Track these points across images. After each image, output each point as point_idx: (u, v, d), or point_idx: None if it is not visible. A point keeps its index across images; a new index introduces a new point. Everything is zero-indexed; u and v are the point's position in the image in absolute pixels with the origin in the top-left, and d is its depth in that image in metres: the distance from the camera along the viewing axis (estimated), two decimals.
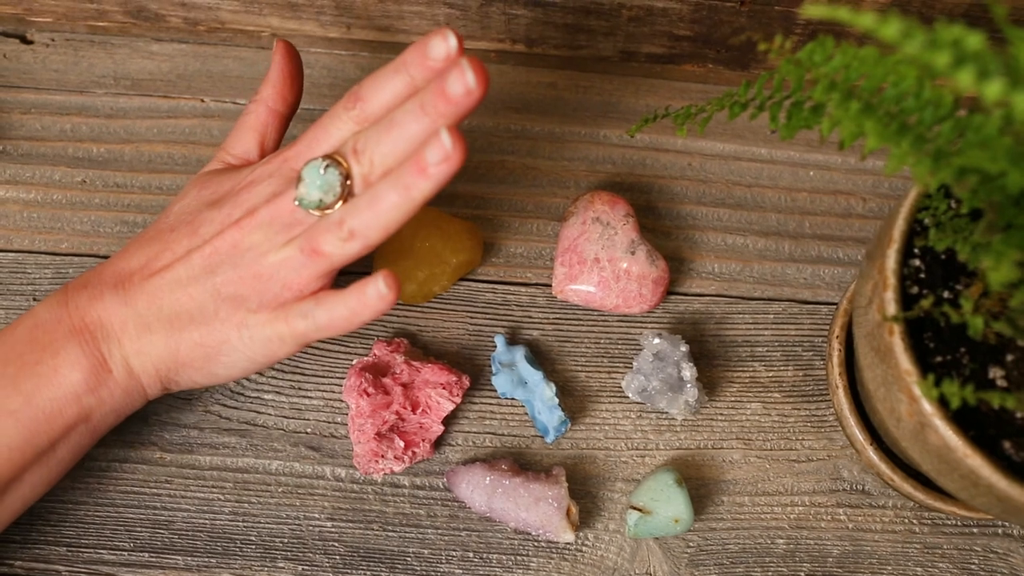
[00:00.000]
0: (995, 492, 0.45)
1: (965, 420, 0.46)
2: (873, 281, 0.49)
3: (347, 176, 0.47)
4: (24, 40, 0.67)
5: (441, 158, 0.43)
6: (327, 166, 0.47)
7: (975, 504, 0.50)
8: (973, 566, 0.58)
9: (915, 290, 0.48)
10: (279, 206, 0.48)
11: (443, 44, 0.46)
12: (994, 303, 0.46)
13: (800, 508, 0.59)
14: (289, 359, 0.60)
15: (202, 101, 0.65)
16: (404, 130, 0.45)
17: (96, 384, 0.49)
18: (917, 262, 0.48)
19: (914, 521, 0.59)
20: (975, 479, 0.45)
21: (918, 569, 0.58)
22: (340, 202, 0.47)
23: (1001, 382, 0.47)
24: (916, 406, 0.46)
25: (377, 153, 0.46)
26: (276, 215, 0.48)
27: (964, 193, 0.42)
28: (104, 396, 0.50)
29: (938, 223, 0.47)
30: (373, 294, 0.46)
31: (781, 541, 0.58)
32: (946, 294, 0.48)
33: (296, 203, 0.47)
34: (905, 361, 0.46)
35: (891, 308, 0.46)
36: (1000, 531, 0.58)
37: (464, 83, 0.44)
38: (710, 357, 0.61)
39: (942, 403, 0.44)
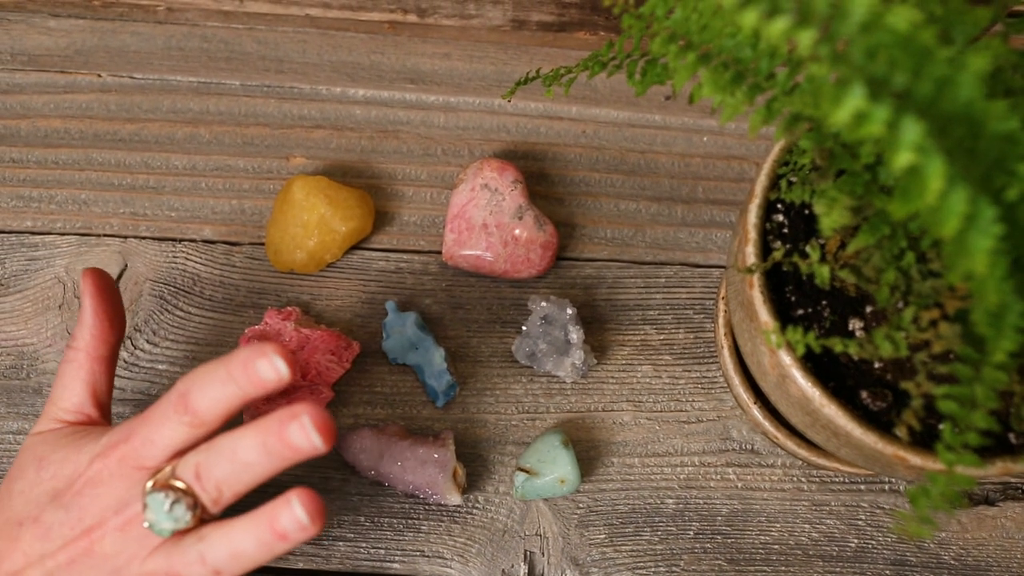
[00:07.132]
0: (853, 441, 0.46)
1: (826, 372, 0.47)
2: (739, 237, 0.50)
3: (195, 503, 0.44)
4: None
5: (297, 528, 0.43)
6: (173, 503, 0.44)
7: (842, 456, 0.50)
8: (860, 522, 0.59)
9: (778, 245, 0.49)
10: (128, 518, 0.46)
11: (271, 370, 0.43)
12: (851, 256, 0.47)
13: (690, 468, 0.59)
14: (183, 329, 0.60)
15: (99, 76, 0.65)
16: (250, 468, 0.44)
17: None
18: (780, 217, 0.49)
19: (802, 479, 0.59)
20: (834, 429, 0.46)
21: (806, 526, 0.59)
22: (195, 521, 0.45)
23: (860, 333, 0.47)
24: (776, 358, 0.46)
25: (224, 482, 0.44)
26: (127, 526, 0.45)
27: (804, 143, 0.42)
28: None
29: (795, 178, 0.48)
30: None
31: (671, 501, 0.59)
32: (808, 248, 0.48)
33: (147, 526, 0.45)
34: (764, 313, 0.46)
35: (751, 261, 0.47)
36: (887, 487, 0.59)
37: (309, 441, 0.43)
38: (602, 321, 0.61)
39: (790, 349, 0.44)
